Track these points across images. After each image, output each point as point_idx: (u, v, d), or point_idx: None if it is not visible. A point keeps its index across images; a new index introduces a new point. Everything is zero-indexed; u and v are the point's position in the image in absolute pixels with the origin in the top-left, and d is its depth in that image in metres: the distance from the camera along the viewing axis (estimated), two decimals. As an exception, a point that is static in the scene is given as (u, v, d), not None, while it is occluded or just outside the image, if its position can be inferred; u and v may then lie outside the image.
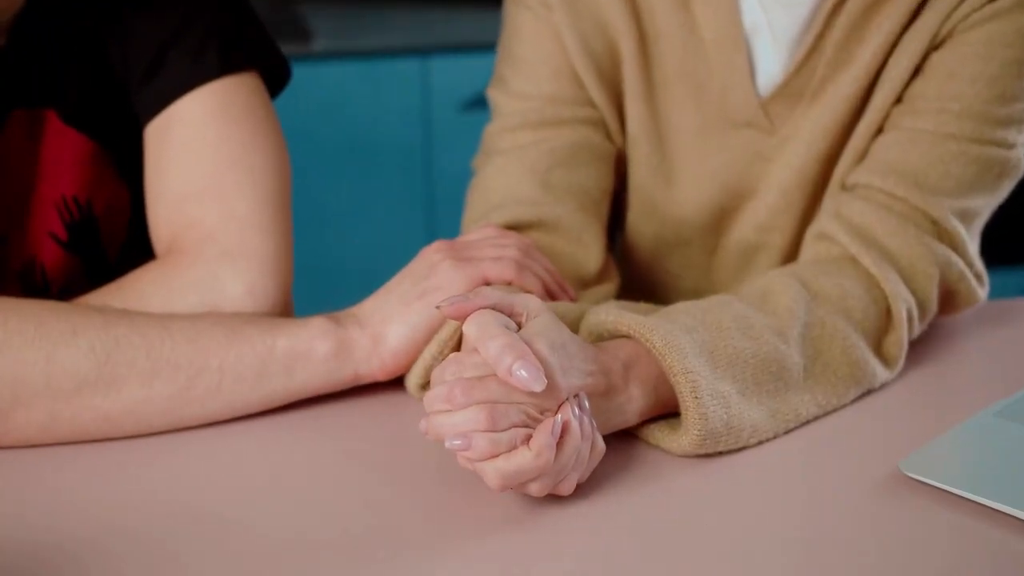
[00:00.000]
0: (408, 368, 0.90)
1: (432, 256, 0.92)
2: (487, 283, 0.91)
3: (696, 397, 0.82)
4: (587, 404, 0.78)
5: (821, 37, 1.02)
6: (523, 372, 0.74)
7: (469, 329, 0.77)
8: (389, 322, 0.89)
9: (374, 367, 0.89)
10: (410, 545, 0.75)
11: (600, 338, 0.87)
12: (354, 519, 0.77)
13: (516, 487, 0.76)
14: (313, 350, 0.88)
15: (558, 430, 0.74)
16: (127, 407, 0.84)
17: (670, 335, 0.83)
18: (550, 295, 0.94)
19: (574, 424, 0.75)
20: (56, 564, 0.72)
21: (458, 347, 0.86)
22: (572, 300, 0.97)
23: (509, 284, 0.91)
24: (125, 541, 0.74)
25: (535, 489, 0.76)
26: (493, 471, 0.74)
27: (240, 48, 0.98)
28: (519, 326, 0.79)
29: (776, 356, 0.87)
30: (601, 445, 0.79)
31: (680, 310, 0.89)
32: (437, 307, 0.80)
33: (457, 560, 0.73)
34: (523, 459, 0.74)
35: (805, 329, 0.90)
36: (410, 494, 0.80)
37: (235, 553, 0.73)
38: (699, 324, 0.86)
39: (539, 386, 0.74)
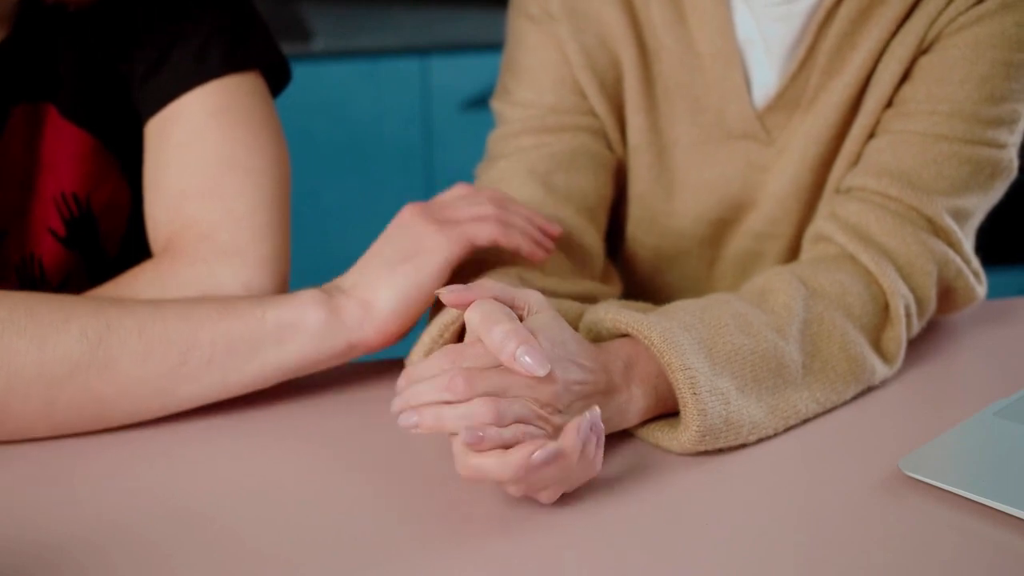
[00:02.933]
0: (401, 332, 0.90)
1: (412, 220, 0.91)
2: (474, 245, 0.90)
3: (695, 393, 0.82)
4: (600, 423, 0.77)
5: (814, 47, 1.03)
6: (527, 358, 0.74)
7: (472, 316, 0.77)
8: (377, 288, 0.88)
9: (367, 333, 0.89)
10: (407, 545, 0.75)
11: (599, 336, 0.87)
12: (351, 519, 0.77)
13: (490, 484, 0.76)
14: (304, 318, 0.87)
15: (575, 447, 0.74)
16: (121, 388, 0.84)
17: (668, 332, 0.83)
18: (538, 245, 0.93)
19: (572, 446, 0.74)
20: (55, 564, 0.72)
21: (459, 335, 0.86)
22: (557, 237, 0.96)
23: (496, 245, 0.91)
24: (123, 542, 0.74)
25: (513, 491, 0.76)
26: (498, 465, 0.74)
27: (244, 47, 0.98)
28: (520, 319, 0.79)
29: (775, 353, 0.87)
30: (598, 464, 0.78)
31: (678, 308, 0.89)
32: (437, 294, 0.80)
33: (455, 559, 0.73)
34: (519, 456, 0.74)
35: (804, 326, 0.90)
36: (408, 494, 0.80)
37: (233, 554, 0.73)
38: (697, 321, 0.86)
39: (543, 371, 0.74)
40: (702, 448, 0.83)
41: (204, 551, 0.74)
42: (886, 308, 0.95)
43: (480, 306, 0.78)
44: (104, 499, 0.79)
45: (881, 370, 0.94)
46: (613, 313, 0.86)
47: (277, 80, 1.04)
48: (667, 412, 0.86)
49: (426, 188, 2.41)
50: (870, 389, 0.94)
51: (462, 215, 0.91)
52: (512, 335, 0.75)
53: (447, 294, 0.79)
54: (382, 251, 0.91)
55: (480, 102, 2.25)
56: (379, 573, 0.72)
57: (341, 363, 0.91)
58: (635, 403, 0.84)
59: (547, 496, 0.77)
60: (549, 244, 0.95)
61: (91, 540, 0.74)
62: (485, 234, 0.90)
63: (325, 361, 0.89)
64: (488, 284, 0.80)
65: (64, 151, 0.97)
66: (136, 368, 0.84)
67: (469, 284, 0.81)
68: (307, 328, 0.87)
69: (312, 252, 1.83)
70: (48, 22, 0.95)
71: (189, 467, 0.84)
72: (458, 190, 0.96)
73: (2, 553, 0.73)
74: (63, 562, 0.72)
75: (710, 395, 0.83)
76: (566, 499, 0.78)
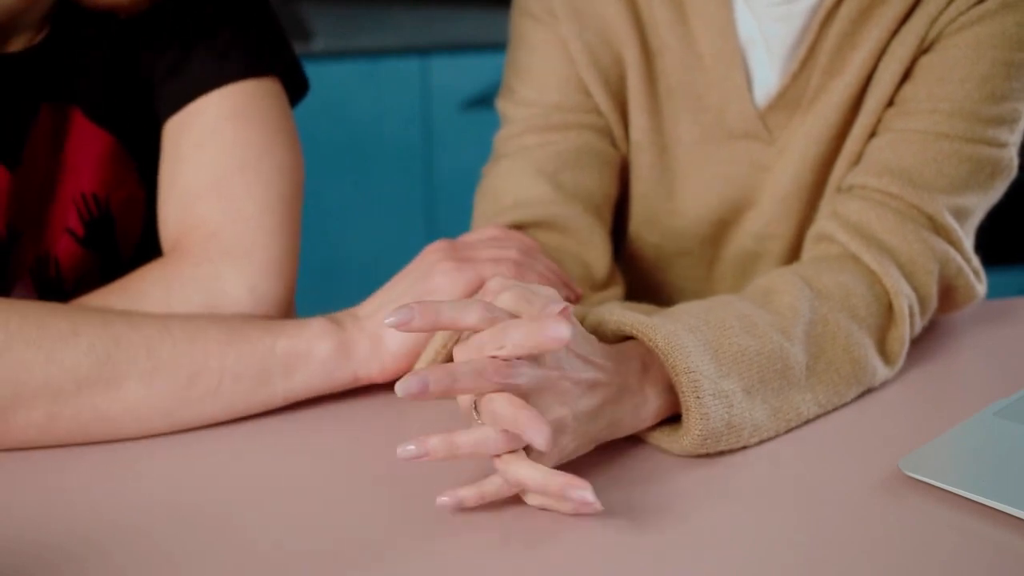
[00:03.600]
0: (406, 369, 0.90)
1: (432, 257, 0.91)
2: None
3: (697, 397, 0.82)
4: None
5: (814, 46, 1.03)
6: (561, 329, 0.73)
7: (506, 298, 0.77)
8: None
9: (373, 369, 0.89)
10: (410, 545, 0.74)
11: (603, 338, 0.87)
12: (353, 520, 0.77)
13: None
14: (313, 351, 0.88)
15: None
16: (127, 406, 0.84)
17: (673, 335, 0.83)
18: None
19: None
20: (56, 564, 0.72)
21: (450, 358, 0.86)
22: (577, 296, 0.97)
23: None
24: (124, 541, 0.74)
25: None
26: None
27: (264, 53, 0.99)
28: None
29: (780, 354, 0.87)
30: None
31: (683, 310, 0.89)
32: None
33: (455, 559, 0.73)
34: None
35: (809, 327, 0.90)
36: (410, 494, 0.80)
37: (234, 554, 0.73)
38: (702, 323, 0.86)
39: (568, 332, 0.73)
40: (703, 451, 0.83)
41: (205, 551, 0.74)
42: (890, 308, 0.95)
43: (512, 289, 0.78)
44: (105, 499, 0.79)
45: (882, 372, 0.94)
46: (618, 315, 0.86)
47: (294, 90, 1.04)
48: (679, 413, 0.86)
49: (426, 188, 2.41)
50: (870, 389, 0.94)
51: (483, 256, 0.92)
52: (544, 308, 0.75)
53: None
54: (399, 285, 0.91)
55: (480, 102, 2.25)
56: (385, 572, 0.72)
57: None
58: (649, 405, 0.84)
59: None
60: (568, 294, 0.95)
61: (91, 540, 0.74)
62: (497, 274, 0.89)
63: (330, 390, 0.90)
64: (497, 285, 0.80)
65: (87, 152, 0.97)
66: (142, 387, 0.84)
67: (477, 296, 0.80)
68: (315, 360, 0.88)
69: (312, 252, 1.83)
70: (76, 26, 0.95)
71: (190, 467, 0.84)
72: (489, 231, 0.97)
73: (2, 553, 0.73)
74: (63, 562, 0.72)
75: (713, 399, 0.82)
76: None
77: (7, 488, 0.80)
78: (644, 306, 0.92)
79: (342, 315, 0.91)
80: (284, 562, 0.73)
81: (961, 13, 0.98)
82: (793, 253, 1.11)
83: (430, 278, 0.89)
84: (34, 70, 0.94)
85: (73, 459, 0.84)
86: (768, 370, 0.87)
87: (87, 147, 0.97)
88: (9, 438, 0.83)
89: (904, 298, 0.95)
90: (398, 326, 0.74)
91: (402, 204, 2.41)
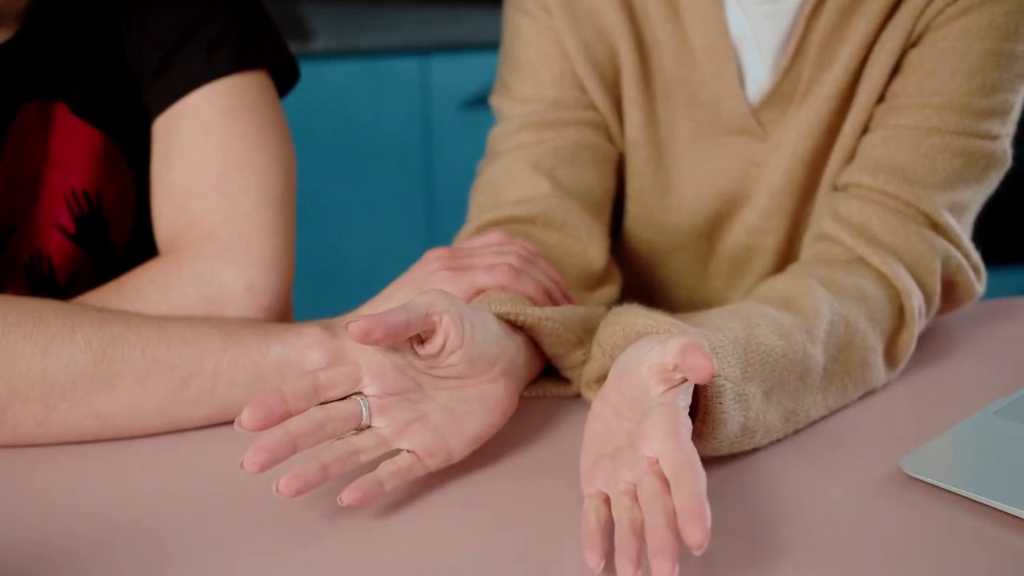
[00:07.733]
0: None
1: (429, 266, 0.91)
2: (481, 292, 0.90)
3: (719, 403, 0.80)
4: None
5: (803, 42, 1.03)
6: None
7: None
8: None
9: None
10: (409, 542, 0.75)
11: (631, 341, 0.84)
12: (353, 518, 0.77)
13: None
14: (306, 359, 0.88)
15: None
16: (121, 405, 0.84)
17: (712, 340, 0.81)
18: (552, 301, 0.93)
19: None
20: (56, 564, 0.72)
21: None
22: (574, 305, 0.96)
23: (505, 290, 0.90)
24: (124, 541, 0.74)
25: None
26: None
27: (253, 47, 0.99)
28: (434, 325, 0.79)
29: (803, 356, 0.86)
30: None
31: (713, 315, 0.87)
32: (345, 326, 0.77)
33: (452, 560, 0.73)
34: None
35: (830, 326, 0.89)
36: (410, 494, 0.80)
37: (234, 553, 0.73)
38: (731, 320, 0.85)
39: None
40: (716, 454, 0.82)
41: (205, 551, 0.74)
42: (900, 311, 0.95)
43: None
44: (105, 499, 0.79)
45: (886, 375, 0.94)
46: (644, 317, 0.83)
47: (285, 81, 1.04)
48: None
49: (426, 188, 2.41)
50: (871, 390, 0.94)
51: (480, 263, 0.91)
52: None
53: (354, 327, 0.75)
54: (396, 294, 0.91)
55: (480, 102, 2.25)
56: (384, 570, 0.72)
57: None
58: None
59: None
60: (565, 303, 0.94)
61: (91, 540, 0.74)
62: (494, 280, 0.89)
63: None
64: (397, 307, 0.78)
65: (76, 149, 0.97)
66: (137, 386, 0.84)
67: (381, 313, 0.77)
68: (308, 368, 0.88)
69: (312, 252, 1.83)
70: (59, 20, 0.95)
71: (191, 467, 0.84)
72: (492, 236, 0.96)
73: (2, 553, 0.73)
74: (63, 562, 0.72)
75: (733, 403, 0.80)
76: (571, 495, 0.78)
77: (7, 488, 0.80)
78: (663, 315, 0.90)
79: (337, 322, 0.91)
80: (283, 562, 0.73)
81: (947, 5, 0.98)
82: (787, 247, 1.11)
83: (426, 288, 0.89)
84: (14, 64, 0.94)
85: (73, 459, 0.84)
86: (789, 372, 0.85)
87: (76, 144, 0.97)
88: (5, 432, 0.83)
89: (915, 299, 0.95)
90: (358, 338, 0.75)
91: (402, 204, 2.41)
